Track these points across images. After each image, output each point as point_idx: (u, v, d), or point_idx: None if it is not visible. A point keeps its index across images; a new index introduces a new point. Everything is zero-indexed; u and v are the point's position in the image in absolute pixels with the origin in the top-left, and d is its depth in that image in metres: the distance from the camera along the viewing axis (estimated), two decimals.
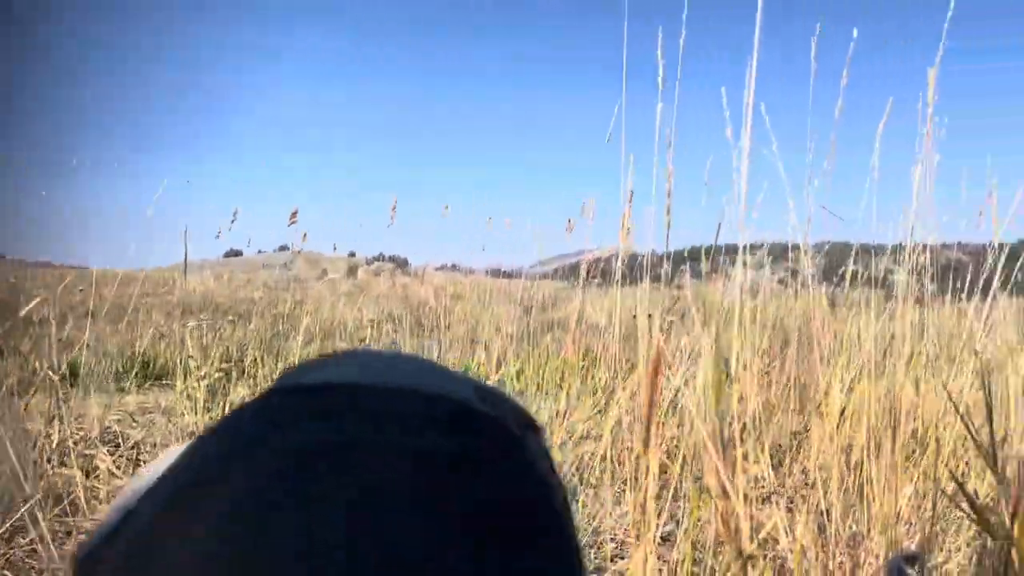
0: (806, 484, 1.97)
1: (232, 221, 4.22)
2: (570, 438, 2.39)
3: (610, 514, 2.03)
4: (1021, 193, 1.85)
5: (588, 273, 4.57)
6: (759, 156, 1.98)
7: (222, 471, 0.27)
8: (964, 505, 0.92)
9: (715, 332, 1.11)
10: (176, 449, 0.32)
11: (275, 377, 0.36)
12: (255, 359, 3.43)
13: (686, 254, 3.37)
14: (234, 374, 3.18)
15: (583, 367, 3.09)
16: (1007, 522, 0.90)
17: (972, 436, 0.94)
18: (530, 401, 2.67)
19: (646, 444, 0.94)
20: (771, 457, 2.34)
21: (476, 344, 3.65)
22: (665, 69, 1.73)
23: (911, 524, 1.59)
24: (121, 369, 3.29)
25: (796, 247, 2.50)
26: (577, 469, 2.28)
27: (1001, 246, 2.02)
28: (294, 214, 3.62)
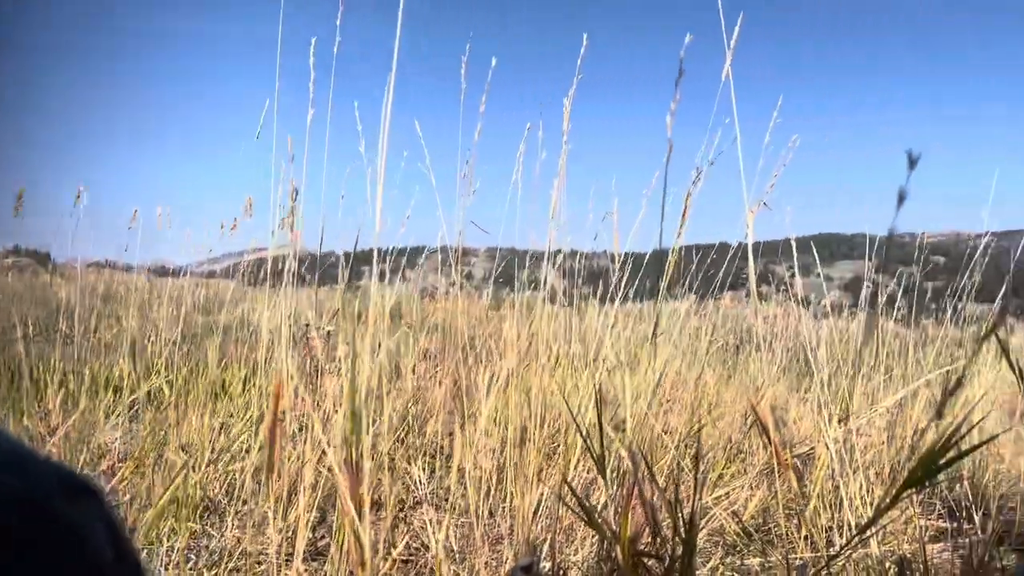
0: (460, 484, 2.03)
1: None
2: (225, 453, 2.22)
3: (262, 533, 1.92)
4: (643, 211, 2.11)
5: (259, 273, 4.34)
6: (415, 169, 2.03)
7: None
8: (580, 510, 0.98)
9: (358, 349, 1.07)
10: None
11: None
12: None
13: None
14: None
15: (245, 376, 2.91)
16: (613, 523, 0.98)
17: (587, 445, 1.00)
18: (181, 415, 2.44)
19: (270, 470, 0.86)
20: (432, 458, 2.39)
21: (123, 351, 3.27)
22: (318, 73, 1.68)
23: (551, 519, 1.71)
24: None
25: (473, 251, 2.59)
26: (230, 487, 2.13)
27: (627, 256, 2.27)
28: None
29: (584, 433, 1.21)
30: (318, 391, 1.79)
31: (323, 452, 1.81)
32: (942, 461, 0.84)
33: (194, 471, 1.95)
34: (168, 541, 1.75)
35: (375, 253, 1.16)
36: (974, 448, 0.93)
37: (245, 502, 2.05)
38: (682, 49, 1.23)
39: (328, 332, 1.89)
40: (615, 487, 1.17)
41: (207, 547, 1.85)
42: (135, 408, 2.84)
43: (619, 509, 1.00)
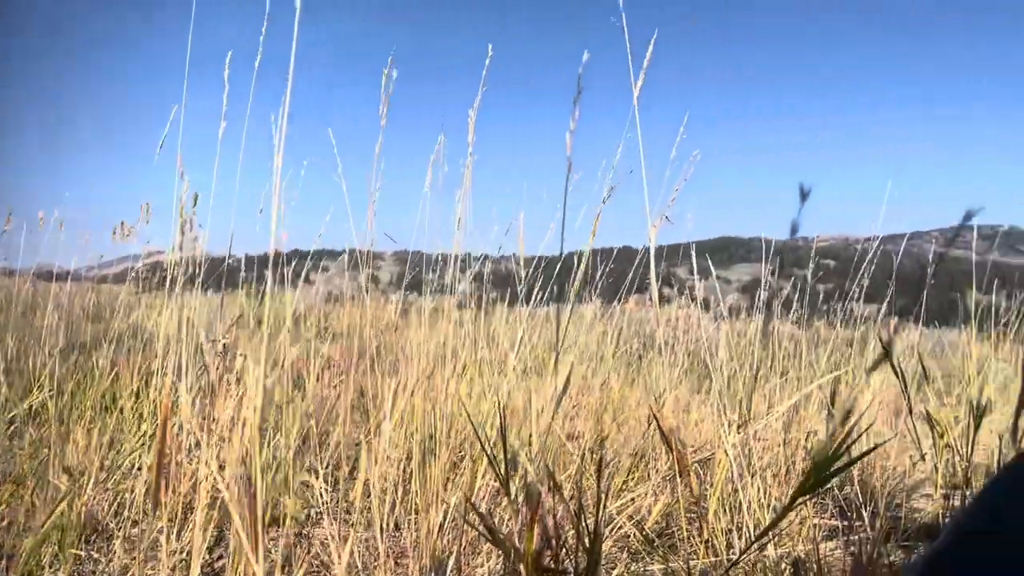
0: (365, 496, 1.98)
1: None
2: (115, 470, 2.11)
3: (154, 556, 1.82)
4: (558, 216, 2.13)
5: (154, 277, 4.16)
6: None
7: None
8: (483, 528, 0.97)
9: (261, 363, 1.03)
10: None
11: None
12: None
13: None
14: None
15: (137, 388, 2.76)
16: (516, 539, 0.97)
17: (490, 460, 0.99)
18: (65, 432, 2.30)
19: (155, 502, 0.81)
20: (335, 470, 2.33)
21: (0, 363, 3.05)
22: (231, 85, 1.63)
23: (457, 532, 1.68)
24: None
25: (380, 255, 2.55)
26: (120, 507, 2.01)
27: (534, 260, 2.28)
28: None
29: (489, 452, 1.20)
30: (213, 407, 1.71)
31: (219, 470, 1.74)
32: (834, 468, 0.87)
33: (80, 492, 1.84)
34: (50, 569, 1.65)
35: (271, 257, 1.11)
36: (863, 455, 0.97)
37: (136, 523, 1.95)
38: (580, 66, 1.22)
39: (224, 344, 1.81)
40: (521, 496, 1.16)
41: (93, 573, 1.75)
42: (14, 425, 2.66)
43: (525, 523, 1.00)
